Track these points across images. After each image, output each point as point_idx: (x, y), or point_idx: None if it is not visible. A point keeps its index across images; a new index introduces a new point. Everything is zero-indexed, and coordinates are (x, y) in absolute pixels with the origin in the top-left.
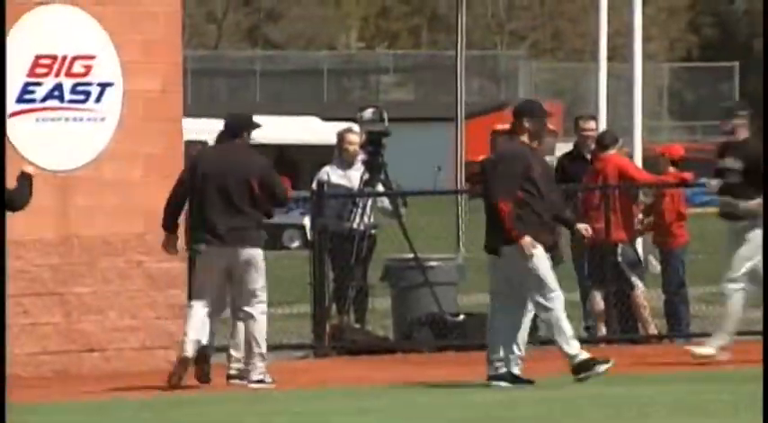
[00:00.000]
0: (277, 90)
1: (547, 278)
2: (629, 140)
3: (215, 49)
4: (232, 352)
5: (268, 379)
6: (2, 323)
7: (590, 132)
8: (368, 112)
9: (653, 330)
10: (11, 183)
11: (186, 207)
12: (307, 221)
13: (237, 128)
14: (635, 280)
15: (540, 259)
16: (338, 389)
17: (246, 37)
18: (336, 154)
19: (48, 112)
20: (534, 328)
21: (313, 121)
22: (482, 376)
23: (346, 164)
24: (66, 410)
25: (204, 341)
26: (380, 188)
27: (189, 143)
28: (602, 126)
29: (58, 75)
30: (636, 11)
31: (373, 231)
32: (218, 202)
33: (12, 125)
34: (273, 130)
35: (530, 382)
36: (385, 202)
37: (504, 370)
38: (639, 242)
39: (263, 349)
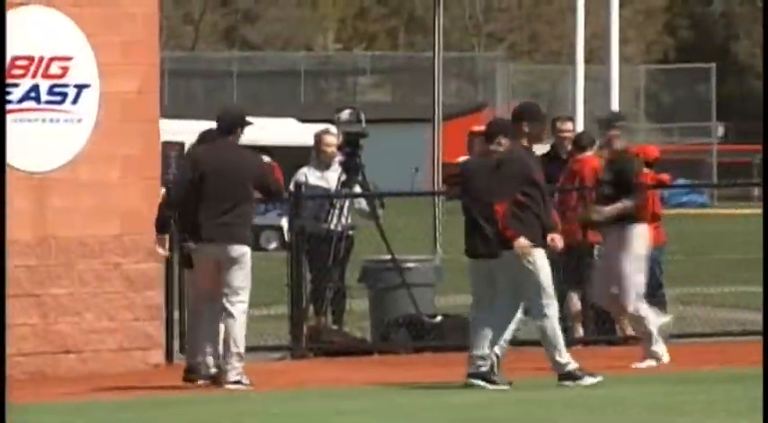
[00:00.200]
0: (254, 91)
1: (547, 284)
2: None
3: (192, 50)
4: (207, 349)
5: (245, 380)
6: (2, 323)
7: (567, 134)
8: (345, 114)
9: (630, 331)
10: None
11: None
12: (284, 223)
13: (231, 125)
14: None
15: (543, 265)
16: (315, 390)
17: (223, 38)
18: (314, 155)
19: (24, 114)
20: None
21: (290, 123)
22: (460, 377)
23: (324, 165)
24: (42, 411)
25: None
26: (358, 189)
27: (166, 144)
28: (579, 127)
29: (34, 76)
30: (612, 13)
31: (351, 232)
32: (213, 201)
33: None
34: (250, 131)
35: (509, 383)
36: (362, 203)
37: (484, 369)
38: None
39: (242, 349)
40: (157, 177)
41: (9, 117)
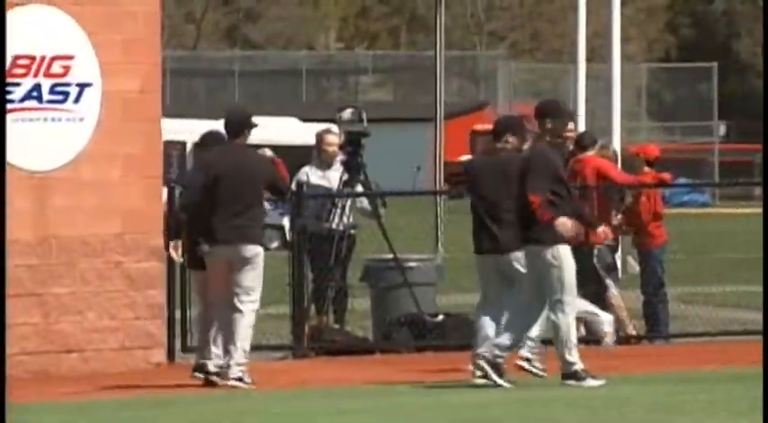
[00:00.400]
0: (256, 90)
1: (569, 282)
2: (607, 141)
3: (194, 49)
4: (213, 349)
5: (247, 379)
6: (2, 323)
7: (569, 133)
8: (347, 113)
9: (631, 331)
10: None
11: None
12: (286, 222)
13: (239, 127)
14: (609, 282)
15: (568, 261)
16: (317, 390)
17: (225, 37)
18: (315, 155)
19: (26, 113)
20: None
21: (292, 122)
22: (462, 376)
23: (325, 164)
24: (44, 411)
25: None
26: (359, 189)
27: (168, 143)
28: (581, 127)
29: (36, 75)
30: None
31: (352, 232)
32: (226, 204)
33: None
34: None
35: (511, 382)
36: (364, 202)
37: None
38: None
39: (247, 346)
40: (159, 176)
41: (10, 116)
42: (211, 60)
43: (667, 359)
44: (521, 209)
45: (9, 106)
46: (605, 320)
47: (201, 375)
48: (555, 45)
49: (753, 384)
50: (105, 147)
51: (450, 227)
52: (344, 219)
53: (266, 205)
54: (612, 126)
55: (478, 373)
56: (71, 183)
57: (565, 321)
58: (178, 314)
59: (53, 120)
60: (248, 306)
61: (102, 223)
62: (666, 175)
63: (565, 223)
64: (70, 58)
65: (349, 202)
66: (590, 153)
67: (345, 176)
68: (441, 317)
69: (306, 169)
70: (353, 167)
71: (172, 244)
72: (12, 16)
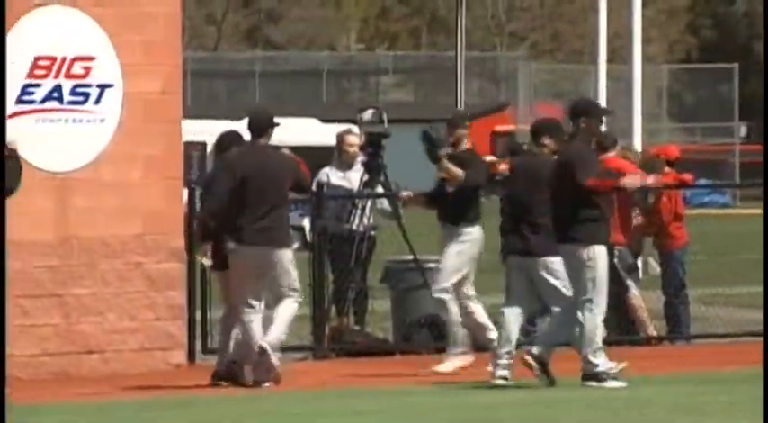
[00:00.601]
0: (277, 91)
1: (602, 282)
2: (628, 142)
3: (214, 50)
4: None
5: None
6: (2, 323)
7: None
8: (367, 114)
9: (652, 332)
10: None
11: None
12: (306, 223)
13: (263, 127)
14: (629, 283)
15: (603, 262)
16: (337, 390)
17: (246, 38)
18: (336, 155)
19: (47, 114)
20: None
21: (312, 123)
22: (482, 377)
23: (346, 165)
24: (65, 411)
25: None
26: (380, 189)
27: (188, 144)
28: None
29: (57, 76)
30: (635, 13)
31: (373, 233)
32: (253, 205)
33: (11, 126)
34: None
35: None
36: (384, 203)
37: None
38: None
39: (284, 334)
40: (179, 177)
41: (32, 117)
42: (232, 61)
43: (688, 360)
44: (558, 209)
45: (30, 107)
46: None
47: (225, 383)
48: (575, 46)
49: None
50: (126, 148)
51: None
52: (365, 220)
53: None
54: (633, 127)
55: (500, 373)
56: (92, 184)
57: (592, 321)
58: (198, 315)
59: (74, 121)
60: (293, 297)
61: (122, 224)
62: (687, 176)
63: (633, 179)
64: (91, 59)
65: (369, 203)
66: (611, 154)
67: (366, 177)
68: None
69: (326, 170)
70: (374, 168)
71: (202, 249)
72: (33, 17)
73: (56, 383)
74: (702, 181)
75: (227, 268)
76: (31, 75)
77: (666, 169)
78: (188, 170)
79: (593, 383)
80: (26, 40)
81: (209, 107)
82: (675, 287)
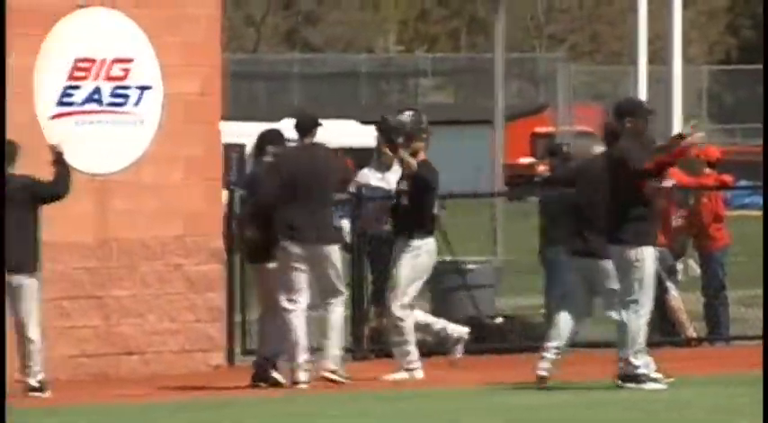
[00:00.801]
0: (315, 93)
1: (648, 283)
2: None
3: (254, 52)
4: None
5: (305, 378)
6: (2, 323)
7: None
8: (406, 115)
9: (691, 333)
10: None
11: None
12: (345, 224)
13: (309, 127)
14: (669, 285)
15: (650, 263)
16: (375, 392)
17: (285, 40)
18: (375, 157)
19: (87, 116)
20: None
21: (351, 124)
22: (522, 378)
23: (384, 167)
24: (104, 412)
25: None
26: None
27: (228, 146)
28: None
29: (97, 78)
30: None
31: None
32: (302, 202)
33: (51, 128)
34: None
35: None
36: None
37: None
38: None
39: (341, 342)
40: (219, 179)
41: (71, 119)
42: (271, 63)
43: (728, 361)
44: (611, 210)
45: (70, 109)
46: (455, 332)
47: (264, 384)
48: (614, 47)
49: None
50: (166, 149)
51: (508, 229)
52: None
53: None
54: (672, 129)
55: (543, 365)
56: (132, 185)
57: (636, 323)
58: (238, 317)
59: (114, 123)
60: (339, 303)
61: (162, 226)
62: (728, 178)
63: (694, 136)
64: (130, 60)
65: None
66: None
67: None
68: (500, 319)
69: (365, 171)
70: None
71: (249, 228)
72: (73, 19)
73: (94, 385)
74: (743, 182)
75: (264, 261)
76: (71, 76)
77: (707, 170)
78: (227, 172)
79: (632, 385)
80: (66, 42)
81: (249, 109)
82: (715, 288)
